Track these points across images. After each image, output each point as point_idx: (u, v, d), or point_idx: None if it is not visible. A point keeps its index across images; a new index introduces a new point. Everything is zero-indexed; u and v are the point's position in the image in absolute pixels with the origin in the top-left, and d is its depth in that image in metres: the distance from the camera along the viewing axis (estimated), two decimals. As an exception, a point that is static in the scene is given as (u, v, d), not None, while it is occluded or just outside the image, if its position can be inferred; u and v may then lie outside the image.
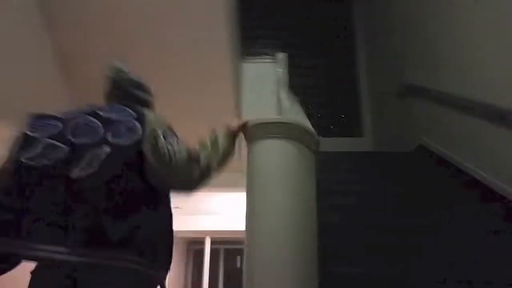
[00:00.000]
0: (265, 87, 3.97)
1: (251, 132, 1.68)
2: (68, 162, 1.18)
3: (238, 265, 6.76)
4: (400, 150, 4.34)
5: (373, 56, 5.54)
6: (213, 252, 6.83)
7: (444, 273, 1.89)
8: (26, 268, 1.17)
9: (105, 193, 1.15)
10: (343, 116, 5.70)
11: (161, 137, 1.29)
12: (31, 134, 1.25)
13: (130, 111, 1.32)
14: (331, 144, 4.96)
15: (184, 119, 3.09)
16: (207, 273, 6.26)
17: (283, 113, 2.86)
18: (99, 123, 1.26)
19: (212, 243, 6.65)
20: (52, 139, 1.22)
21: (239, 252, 6.63)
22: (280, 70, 4.17)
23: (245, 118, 1.74)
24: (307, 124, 1.92)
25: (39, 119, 1.28)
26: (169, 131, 1.35)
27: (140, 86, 1.47)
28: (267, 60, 4.37)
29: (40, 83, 2.90)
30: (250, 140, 1.70)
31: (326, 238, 1.73)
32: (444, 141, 3.57)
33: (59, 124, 1.27)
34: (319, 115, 5.58)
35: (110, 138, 1.23)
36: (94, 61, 2.45)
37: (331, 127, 5.62)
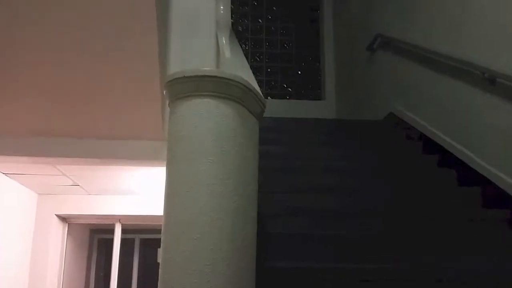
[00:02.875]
0: (200, 29, 3.87)
1: (176, 88, 1.64)
2: None
3: (159, 259, 6.80)
4: (367, 118, 4.47)
5: (341, 4, 5.58)
6: (126, 243, 6.77)
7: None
8: None
9: None
10: (299, 72, 5.74)
11: None
12: None
13: None
14: (283, 108, 5.01)
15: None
16: (116, 268, 6.21)
17: (221, 64, 2.83)
18: None
19: (124, 231, 6.59)
20: None
21: (159, 243, 6.62)
22: (222, 8, 4.07)
23: (172, 71, 1.69)
24: (252, 80, 1.91)
25: None
26: None
27: None
28: (205, -6, 4.25)
29: None
30: (174, 98, 1.66)
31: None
32: (419, 110, 3.72)
33: None
34: (269, 69, 5.58)
35: None
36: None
37: (284, 86, 5.64)
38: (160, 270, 1.57)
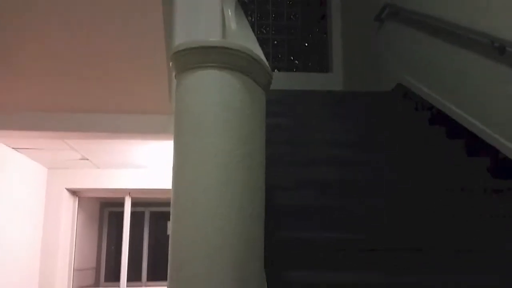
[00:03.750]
0: (205, 1, 3.83)
1: (182, 59, 1.63)
2: None
3: (169, 231, 6.90)
4: (375, 90, 4.44)
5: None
6: (136, 216, 6.86)
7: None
8: None
9: None
10: (306, 44, 5.68)
11: None
12: None
13: None
14: (290, 81, 4.98)
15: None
16: (127, 241, 6.30)
17: (226, 36, 2.80)
18: None
19: (134, 204, 6.66)
20: None
21: (169, 216, 6.69)
22: (227, -22, 4.02)
23: (178, 42, 1.68)
24: (258, 52, 1.89)
25: None
26: None
27: None
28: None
29: None
30: (180, 70, 1.65)
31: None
32: (428, 81, 3.68)
33: None
34: (275, 42, 5.53)
35: None
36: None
37: (291, 58, 5.60)
38: (170, 242, 1.58)
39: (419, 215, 2.24)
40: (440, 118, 3.37)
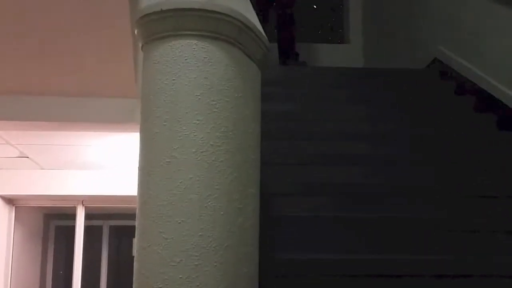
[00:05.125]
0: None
1: (150, 26, 1.63)
2: None
3: (134, 251, 6.86)
4: (404, 66, 4.45)
5: None
6: (91, 231, 6.84)
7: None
8: None
9: None
10: (315, 7, 5.69)
11: None
12: None
13: None
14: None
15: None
16: (80, 264, 6.31)
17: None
18: None
19: (89, 216, 6.67)
20: None
21: (134, 231, 6.64)
22: None
23: (145, 4, 1.68)
24: (251, 16, 1.89)
25: None
26: None
27: None
28: None
29: None
30: (148, 40, 1.65)
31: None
32: (475, 55, 3.69)
33: None
34: (274, 3, 5.52)
35: None
36: None
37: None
38: (135, 265, 1.59)
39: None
40: (488, 103, 3.38)
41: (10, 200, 6.19)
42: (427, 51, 4.26)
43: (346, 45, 5.65)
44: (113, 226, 7.68)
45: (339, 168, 2.66)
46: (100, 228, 7.55)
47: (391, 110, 3.38)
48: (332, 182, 2.57)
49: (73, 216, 6.61)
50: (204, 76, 1.59)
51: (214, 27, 1.61)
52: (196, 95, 1.58)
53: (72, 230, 6.60)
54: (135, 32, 1.74)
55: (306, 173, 2.63)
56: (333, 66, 4.74)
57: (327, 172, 2.63)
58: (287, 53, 4.49)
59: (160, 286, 1.50)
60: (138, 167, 1.65)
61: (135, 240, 1.64)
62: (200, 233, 1.50)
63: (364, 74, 4.37)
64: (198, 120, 1.56)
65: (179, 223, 1.51)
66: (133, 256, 1.65)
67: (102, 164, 5.71)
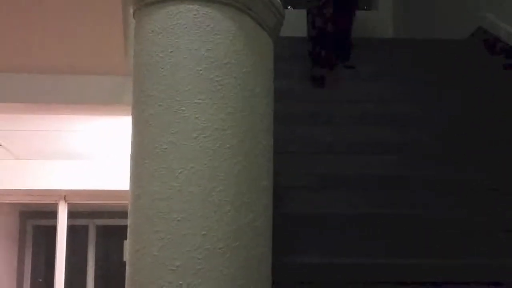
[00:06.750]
0: None
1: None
2: None
3: (126, 254, 6.84)
4: (442, 37, 4.43)
5: None
6: (76, 232, 6.86)
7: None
8: None
9: None
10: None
11: None
12: None
13: None
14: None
15: None
16: (62, 269, 6.34)
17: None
18: None
19: (73, 214, 6.68)
20: None
21: (126, 231, 6.62)
22: None
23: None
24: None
25: None
26: None
27: None
28: None
29: None
30: (140, 5, 1.66)
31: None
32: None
33: None
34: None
35: None
36: None
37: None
38: (127, 269, 1.60)
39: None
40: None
41: (-21, 196, 6.23)
42: (470, 18, 4.23)
43: (373, 11, 5.63)
44: (100, 226, 7.71)
45: (369, 157, 2.67)
46: (85, 228, 7.59)
47: (427, 88, 3.37)
48: (360, 173, 2.57)
49: (54, 214, 6.63)
50: (207, 48, 1.59)
51: (219, -11, 1.62)
52: (198, 70, 1.58)
53: (53, 230, 6.62)
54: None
55: (327, 162, 2.64)
56: (359, 36, 4.71)
57: (353, 162, 2.64)
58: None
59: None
60: (130, 156, 1.65)
61: (126, 242, 1.65)
62: (203, 232, 1.51)
63: (394, 45, 4.35)
64: (200, 99, 1.57)
65: (179, 220, 1.51)
66: (125, 261, 1.66)
67: (87, 153, 5.73)
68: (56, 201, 6.56)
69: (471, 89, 3.38)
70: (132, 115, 1.67)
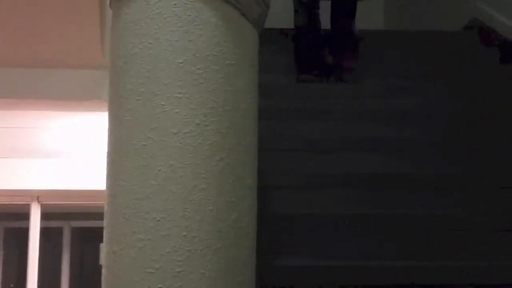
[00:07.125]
0: None
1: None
2: None
3: (102, 258, 6.83)
4: (435, 29, 4.44)
5: None
6: (49, 234, 6.84)
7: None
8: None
9: None
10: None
11: None
12: None
13: None
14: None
15: None
16: (35, 274, 6.32)
17: None
18: None
19: (46, 216, 6.66)
20: None
21: (102, 233, 6.62)
22: None
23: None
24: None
25: None
26: None
27: None
28: None
29: None
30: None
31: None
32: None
33: None
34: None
35: None
36: None
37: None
38: (103, 272, 1.59)
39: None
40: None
41: None
42: (464, 10, 4.25)
43: (364, 1, 5.64)
44: (76, 228, 7.67)
45: (361, 155, 2.67)
46: (60, 230, 7.55)
47: (419, 83, 3.38)
48: (352, 172, 2.58)
49: (26, 216, 6.60)
50: (188, 39, 1.59)
51: (200, -22, 1.61)
52: (178, 62, 1.58)
53: (25, 233, 6.60)
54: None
55: (317, 161, 2.64)
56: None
57: (344, 160, 2.64)
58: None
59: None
60: (107, 154, 1.65)
61: (102, 245, 1.64)
62: (184, 233, 1.51)
63: (386, 37, 4.36)
64: (180, 93, 1.56)
65: (158, 220, 1.51)
66: (101, 264, 1.65)
67: (62, 151, 5.71)
68: (28, 202, 6.53)
69: (463, 83, 3.39)
70: (109, 110, 1.67)
